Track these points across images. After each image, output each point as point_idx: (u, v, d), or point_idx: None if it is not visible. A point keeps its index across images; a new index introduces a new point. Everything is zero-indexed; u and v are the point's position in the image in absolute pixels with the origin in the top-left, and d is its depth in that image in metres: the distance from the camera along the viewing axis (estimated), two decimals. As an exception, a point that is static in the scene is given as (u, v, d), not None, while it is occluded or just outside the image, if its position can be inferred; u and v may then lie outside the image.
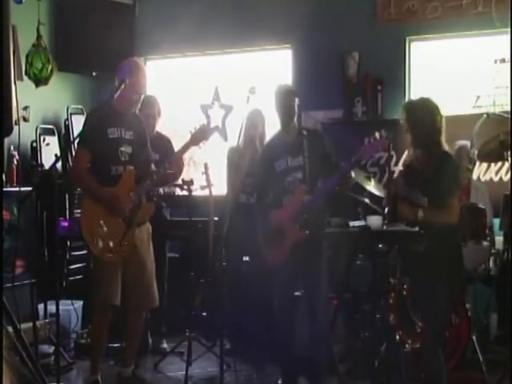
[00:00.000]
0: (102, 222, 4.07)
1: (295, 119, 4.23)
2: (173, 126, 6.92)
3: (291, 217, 4.01)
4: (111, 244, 4.08)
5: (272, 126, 5.23)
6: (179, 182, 4.86)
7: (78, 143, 4.26)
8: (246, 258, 5.13)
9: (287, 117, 4.17)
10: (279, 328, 4.16)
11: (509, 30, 4.83)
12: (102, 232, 4.07)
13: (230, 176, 5.16)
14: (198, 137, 4.30)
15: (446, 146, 3.74)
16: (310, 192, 4.02)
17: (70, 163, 5.46)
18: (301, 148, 4.07)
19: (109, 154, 4.13)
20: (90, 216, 4.11)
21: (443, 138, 3.73)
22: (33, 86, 5.70)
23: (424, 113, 3.69)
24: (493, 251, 4.72)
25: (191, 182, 4.80)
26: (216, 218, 5.06)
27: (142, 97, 4.31)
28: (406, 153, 3.85)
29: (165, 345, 5.23)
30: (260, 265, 4.39)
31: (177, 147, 4.58)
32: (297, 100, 4.17)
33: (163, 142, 5.21)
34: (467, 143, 5.04)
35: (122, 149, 4.18)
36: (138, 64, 4.32)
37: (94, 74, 6.36)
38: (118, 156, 4.16)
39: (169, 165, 4.30)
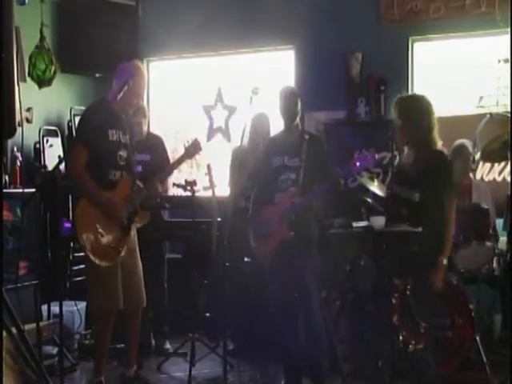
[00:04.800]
0: (97, 225, 4.01)
1: (297, 120, 4.29)
2: (175, 128, 6.93)
3: (280, 216, 4.06)
4: (105, 249, 4.02)
5: (275, 128, 5.23)
6: (182, 182, 4.87)
7: (77, 140, 4.18)
8: (247, 259, 5.12)
9: (289, 118, 4.25)
10: (278, 328, 4.17)
11: (509, 30, 4.82)
12: (97, 236, 4.01)
13: (232, 176, 5.16)
14: (192, 151, 4.32)
15: (439, 144, 3.78)
16: (302, 194, 4.06)
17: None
18: (299, 150, 4.13)
19: (108, 157, 4.08)
20: (86, 218, 4.02)
21: (436, 136, 3.76)
22: (36, 87, 5.71)
23: (419, 109, 3.72)
24: (496, 251, 4.71)
25: (194, 183, 4.80)
26: (219, 219, 5.06)
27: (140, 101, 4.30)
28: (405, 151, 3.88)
29: (168, 345, 5.23)
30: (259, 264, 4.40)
31: (178, 150, 4.59)
32: (299, 102, 4.24)
33: (155, 142, 5.19)
34: (464, 141, 5.05)
35: (121, 153, 4.14)
36: (139, 67, 4.29)
37: (97, 75, 6.36)
38: (117, 160, 4.11)
39: (164, 174, 4.30)
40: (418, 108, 3.78)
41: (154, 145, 5.17)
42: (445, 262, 3.65)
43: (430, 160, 3.70)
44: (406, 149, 3.91)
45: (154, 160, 5.03)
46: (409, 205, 3.66)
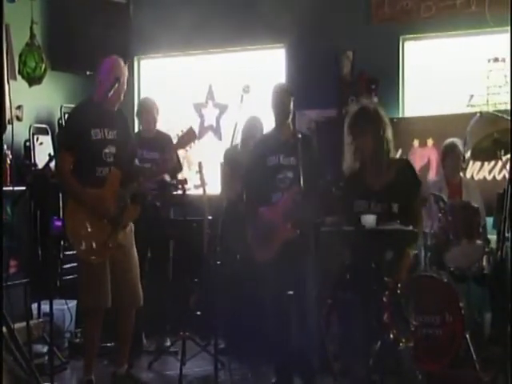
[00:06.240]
0: (86, 223, 4.01)
1: (290, 118, 4.22)
2: (166, 126, 6.90)
3: (283, 215, 4.02)
4: (95, 246, 4.01)
5: (267, 127, 5.23)
6: (173, 181, 4.86)
7: (60, 145, 4.21)
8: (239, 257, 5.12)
9: (282, 115, 4.17)
10: (271, 327, 4.16)
11: (508, 28, 4.82)
12: (86, 233, 4.00)
13: (225, 176, 5.14)
14: (185, 140, 4.22)
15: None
16: (302, 192, 4.01)
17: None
18: (294, 149, 4.05)
19: (93, 155, 4.08)
20: (74, 216, 4.03)
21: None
22: (26, 85, 5.69)
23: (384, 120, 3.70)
24: (486, 250, 4.73)
25: (185, 181, 4.80)
26: (210, 217, 5.05)
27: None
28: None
29: (168, 343, 5.18)
30: (252, 263, 4.39)
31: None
32: (292, 99, 4.17)
33: (164, 141, 5.19)
34: (454, 140, 5.07)
35: (106, 150, 4.12)
36: (120, 62, 4.26)
37: (87, 73, 6.33)
38: (102, 157, 4.10)
39: (158, 166, 4.27)
40: (383, 118, 3.73)
41: (163, 143, 5.16)
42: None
43: (397, 170, 3.66)
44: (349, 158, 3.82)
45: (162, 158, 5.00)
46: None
